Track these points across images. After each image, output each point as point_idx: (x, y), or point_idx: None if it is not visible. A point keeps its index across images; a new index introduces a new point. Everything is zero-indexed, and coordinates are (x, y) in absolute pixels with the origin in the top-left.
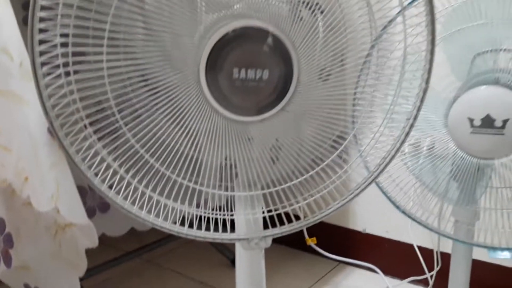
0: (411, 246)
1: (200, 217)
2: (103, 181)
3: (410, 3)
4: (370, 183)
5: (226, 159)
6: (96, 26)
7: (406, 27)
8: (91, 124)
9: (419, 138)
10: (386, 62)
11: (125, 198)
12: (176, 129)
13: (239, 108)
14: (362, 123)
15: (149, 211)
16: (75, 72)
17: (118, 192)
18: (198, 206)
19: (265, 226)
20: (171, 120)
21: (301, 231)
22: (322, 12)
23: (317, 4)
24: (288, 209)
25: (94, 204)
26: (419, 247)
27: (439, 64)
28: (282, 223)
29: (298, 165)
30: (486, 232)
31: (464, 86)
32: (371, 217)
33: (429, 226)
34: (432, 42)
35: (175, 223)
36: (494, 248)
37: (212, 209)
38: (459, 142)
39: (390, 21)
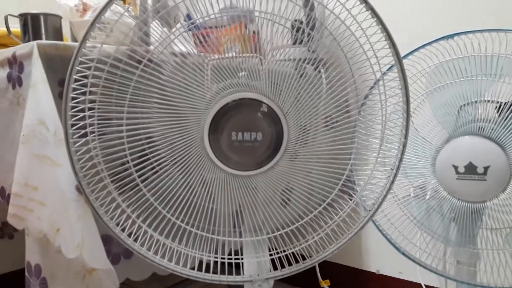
0: (420, 285)
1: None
2: (123, 230)
3: (388, 69)
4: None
5: (240, 207)
6: (118, 96)
7: (386, 90)
8: (113, 181)
9: (414, 184)
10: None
11: (142, 245)
12: (185, 183)
13: (239, 164)
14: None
15: (168, 258)
16: (100, 137)
17: (135, 240)
18: (216, 251)
19: (276, 267)
20: (181, 175)
21: (315, 273)
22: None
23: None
24: (291, 251)
25: (119, 251)
26: (427, 286)
27: (429, 116)
28: (290, 264)
29: (309, 206)
30: (488, 272)
31: (451, 136)
32: (385, 258)
33: (432, 269)
34: (407, 102)
35: (193, 268)
36: None
37: (229, 254)
38: (446, 187)
39: (371, 89)
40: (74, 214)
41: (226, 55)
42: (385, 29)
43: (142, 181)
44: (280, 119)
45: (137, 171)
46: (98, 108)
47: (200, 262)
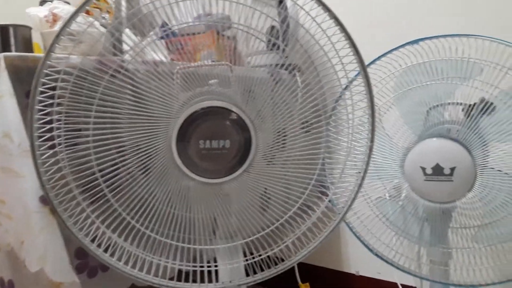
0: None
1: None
2: (92, 241)
3: (356, 75)
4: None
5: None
6: (86, 106)
7: (353, 95)
8: (82, 192)
9: (387, 187)
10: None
11: (112, 255)
12: (155, 193)
13: (208, 171)
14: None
15: (139, 268)
16: (68, 148)
17: (106, 250)
18: (195, 260)
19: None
20: (150, 185)
21: (295, 276)
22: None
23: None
24: (266, 255)
25: (96, 264)
26: (403, 286)
27: (398, 119)
28: (269, 267)
29: (286, 210)
30: (461, 270)
31: (419, 138)
32: (364, 259)
33: (405, 269)
34: (372, 108)
35: (172, 278)
36: (472, 286)
37: (208, 261)
38: (415, 188)
39: (340, 95)
40: (36, 225)
41: (194, 64)
42: (348, 37)
43: (111, 191)
44: (247, 126)
45: (105, 181)
46: (65, 120)
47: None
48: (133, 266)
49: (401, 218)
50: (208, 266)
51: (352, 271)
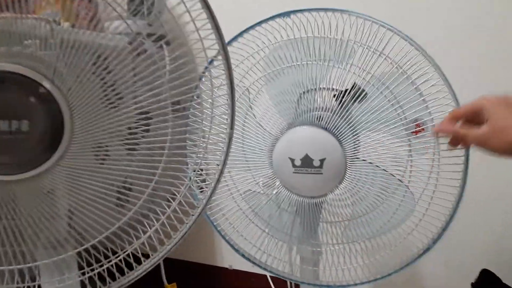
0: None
1: None
2: None
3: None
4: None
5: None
6: None
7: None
8: None
9: (256, 179)
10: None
11: None
12: None
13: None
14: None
15: None
16: None
17: None
18: None
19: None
20: None
21: (160, 276)
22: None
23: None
24: (108, 265)
25: None
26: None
27: (268, 102)
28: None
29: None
30: (330, 269)
31: (290, 126)
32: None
33: (277, 272)
34: (231, 86)
35: None
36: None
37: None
38: (284, 181)
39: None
40: None
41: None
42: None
43: None
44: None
45: None
46: None
47: None
48: None
49: (273, 214)
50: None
51: (226, 265)
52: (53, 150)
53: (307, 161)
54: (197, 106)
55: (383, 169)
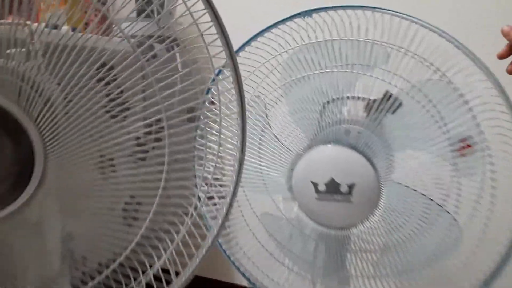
0: None
1: None
2: None
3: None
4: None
5: None
6: None
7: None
8: None
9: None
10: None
11: None
12: None
13: None
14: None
15: None
16: None
17: None
18: None
19: None
20: None
21: None
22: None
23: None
24: None
25: None
26: None
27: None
28: None
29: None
30: None
31: (312, 141)
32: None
33: None
34: (242, 103)
35: None
36: None
37: None
38: (305, 209)
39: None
40: None
41: None
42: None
43: None
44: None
45: None
46: None
47: None
48: None
49: (294, 243)
50: None
51: (244, 283)
52: (25, 182)
53: (332, 186)
54: (203, 126)
55: (422, 194)
